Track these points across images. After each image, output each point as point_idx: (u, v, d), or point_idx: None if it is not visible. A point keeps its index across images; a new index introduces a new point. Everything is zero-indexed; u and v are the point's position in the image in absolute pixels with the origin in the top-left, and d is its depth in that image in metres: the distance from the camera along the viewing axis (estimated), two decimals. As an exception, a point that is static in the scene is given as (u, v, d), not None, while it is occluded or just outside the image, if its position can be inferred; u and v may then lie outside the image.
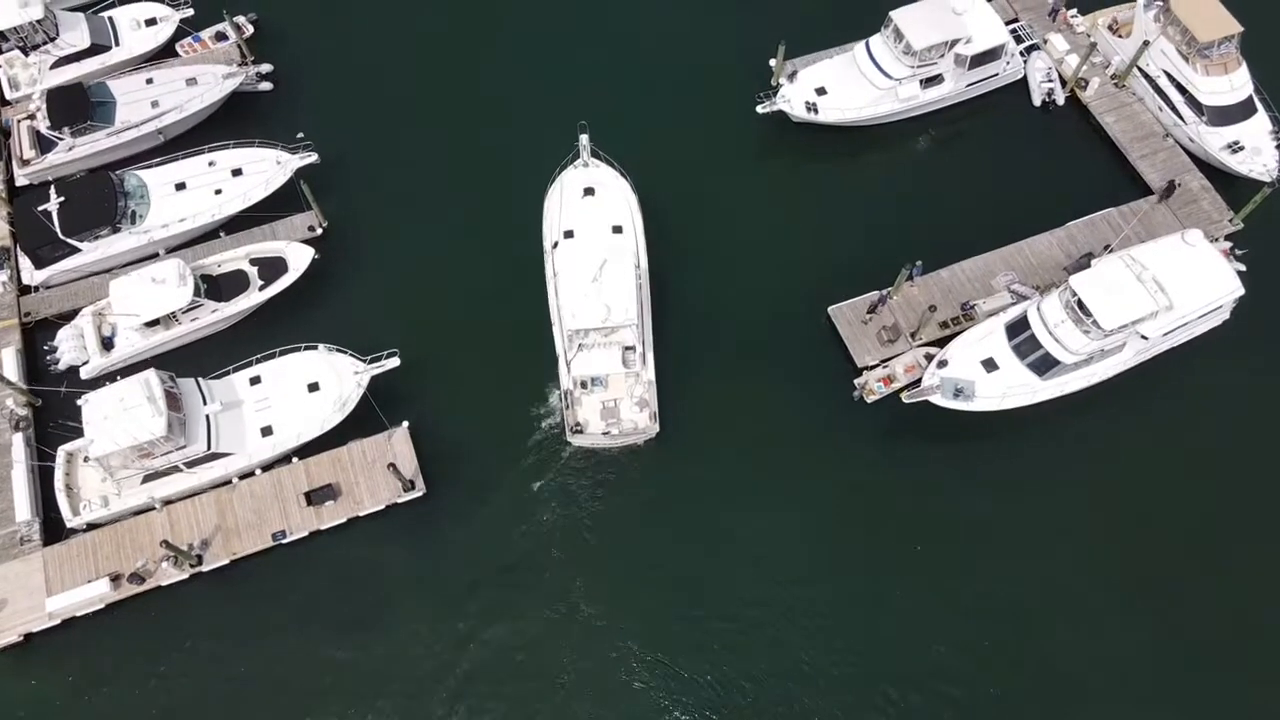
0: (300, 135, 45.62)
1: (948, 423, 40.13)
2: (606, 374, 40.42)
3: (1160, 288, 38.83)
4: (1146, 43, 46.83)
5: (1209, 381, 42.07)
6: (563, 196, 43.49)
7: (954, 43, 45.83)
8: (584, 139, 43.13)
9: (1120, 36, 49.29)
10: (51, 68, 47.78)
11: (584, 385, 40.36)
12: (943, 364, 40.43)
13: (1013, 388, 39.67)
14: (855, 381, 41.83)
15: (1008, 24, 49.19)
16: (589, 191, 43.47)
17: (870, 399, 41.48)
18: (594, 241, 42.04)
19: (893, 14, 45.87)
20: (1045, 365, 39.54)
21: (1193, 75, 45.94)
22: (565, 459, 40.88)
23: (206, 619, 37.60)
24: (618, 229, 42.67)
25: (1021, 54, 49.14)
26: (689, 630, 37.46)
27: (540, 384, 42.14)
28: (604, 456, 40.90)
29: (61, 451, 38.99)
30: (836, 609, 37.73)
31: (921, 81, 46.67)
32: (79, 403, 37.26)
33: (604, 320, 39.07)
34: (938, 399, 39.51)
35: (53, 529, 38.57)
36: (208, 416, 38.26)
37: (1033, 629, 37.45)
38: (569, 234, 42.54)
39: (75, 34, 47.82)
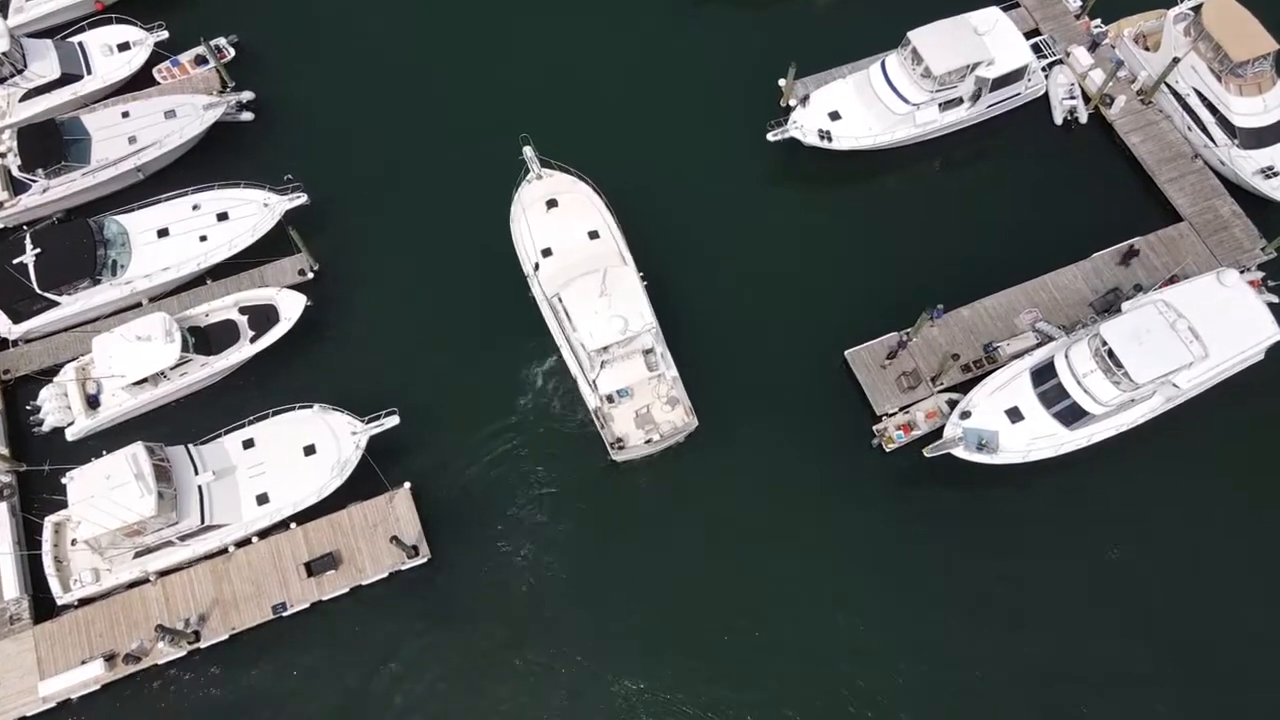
0: (288, 177, 43.04)
1: (970, 472, 38.52)
2: (632, 383, 39.23)
3: (1195, 336, 37.02)
4: (1176, 59, 44.38)
5: (1242, 420, 40.36)
6: (527, 215, 41.69)
7: (975, 65, 43.14)
8: (528, 151, 41.41)
9: (1147, 49, 46.81)
10: (21, 100, 45.05)
11: (610, 400, 39.18)
12: (965, 414, 38.76)
13: (1038, 439, 38.03)
14: (874, 428, 40.23)
15: (1028, 35, 46.70)
16: (552, 204, 41.72)
17: (889, 447, 39.91)
18: (574, 253, 40.42)
19: (911, 34, 43.09)
20: (1073, 416, 37.87)
21: (1225, 94, 43.60)
22: (575, 505, 39.49)
23: (206, 697, 36.25)
24: (594, 234, 41.06)
25: (1043, 70, 46.60)
26: (704, 690, 36.46)
27: (546, 424, 40.69)
28: (615, 498, 39.60)
29: (49, 523, 37.26)
30: (844, 677, 36.64)
31: (940, 105, 44.23)
32: (64, 480, 35.37)
33: (623, 332, 37.66)
34: (960, 451, 37.95)
35: (42, 604, 36.98)
36: (200, 488, 36.51)
37: (1058, 694, 36.33)
38: (547, 252, 40.90)
39: (44, 64, 45.01)
